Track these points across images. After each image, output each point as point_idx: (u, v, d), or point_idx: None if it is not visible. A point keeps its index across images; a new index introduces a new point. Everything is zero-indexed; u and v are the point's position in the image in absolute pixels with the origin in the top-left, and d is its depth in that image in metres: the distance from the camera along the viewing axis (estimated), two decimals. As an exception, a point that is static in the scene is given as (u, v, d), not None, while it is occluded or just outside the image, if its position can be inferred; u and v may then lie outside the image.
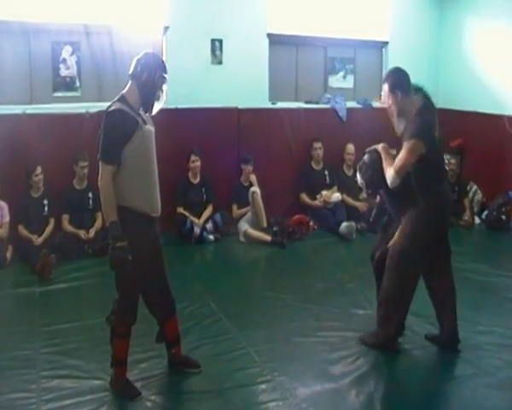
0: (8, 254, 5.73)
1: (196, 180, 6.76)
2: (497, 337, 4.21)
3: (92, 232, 6.04)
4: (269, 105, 7.43)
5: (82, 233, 6.01)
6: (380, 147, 3.93)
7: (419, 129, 3.69)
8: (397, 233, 3.91)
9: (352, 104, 7.89)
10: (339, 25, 7.67)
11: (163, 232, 3.75)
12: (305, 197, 7.33)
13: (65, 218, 6.10)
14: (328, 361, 3.89)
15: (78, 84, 6.51)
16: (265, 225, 6.61)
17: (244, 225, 6.64)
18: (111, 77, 6.41)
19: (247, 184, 6.90)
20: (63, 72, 6.42)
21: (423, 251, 3.85)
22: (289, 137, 7.44)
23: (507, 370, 3.78)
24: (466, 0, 8.04)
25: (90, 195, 6.10)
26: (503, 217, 7.08)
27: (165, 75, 3.38)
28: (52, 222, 6.04)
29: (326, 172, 7.42)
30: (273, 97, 7.51)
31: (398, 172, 3.70)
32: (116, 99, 3.32)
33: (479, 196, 7.55)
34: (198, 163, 6.68)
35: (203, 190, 6.75)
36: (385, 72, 7.98)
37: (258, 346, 4.05)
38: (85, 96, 6.52)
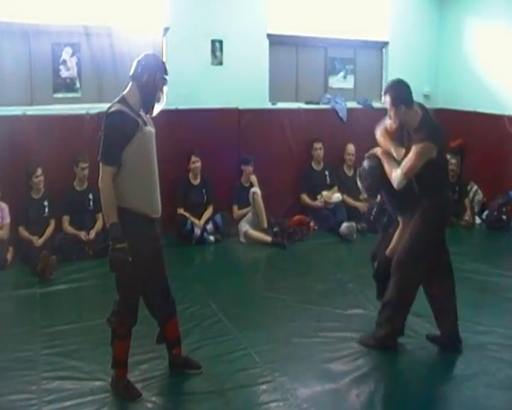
0: (9, 256, 5.72)
1: (197, 181, 6.75)
2: (498, 337, 4.22)
3: (93, 234, 6.04)
4: (269, 106, 7.43)
5: (82, 234, 6.00)
6: (379, 152, 3.93)
7: (431, 132, 3.69)
8: (396, 235, 3.93)
9: (352, 104, 7.88)
10: (339, 25, 7.67)
11: (163, 233, 3.74)
12: (305, 198, 7.33)
13: (65, 219, 6.10)
14: (329, 362, 3.89)
15: (78, 85, 6.51)
16: (266, 225, 6.60)
17: (244, 226, 6.63)
18: (111, 78, 6.40)
19: (247, 185, 6.90)
20: (63, 73, 6.42)
21: (426, 251, 3.86)
22: (290, 138, 7.44)
23: (507, 370, 3.79)
24: (466, 0, 8.04)
25: (91, 196, 6.10)
26: (504, 217, 7.08)
27: (166, 76, 3.38)
28: (53, 223, 6.03)
29: (326, 173, 7.43)
30: (273, 98, 7.51)
31: (406, 174, 3.69)
32: (116, 100, 3.32)
33: (479, 196, 7.55)
34: (198, 164, 6.67)
35: (203, 190, 6.75)
36: (385, 72, 8.14)
37: (259, 347, 4.06)
38: (86, 98, 6.52)
